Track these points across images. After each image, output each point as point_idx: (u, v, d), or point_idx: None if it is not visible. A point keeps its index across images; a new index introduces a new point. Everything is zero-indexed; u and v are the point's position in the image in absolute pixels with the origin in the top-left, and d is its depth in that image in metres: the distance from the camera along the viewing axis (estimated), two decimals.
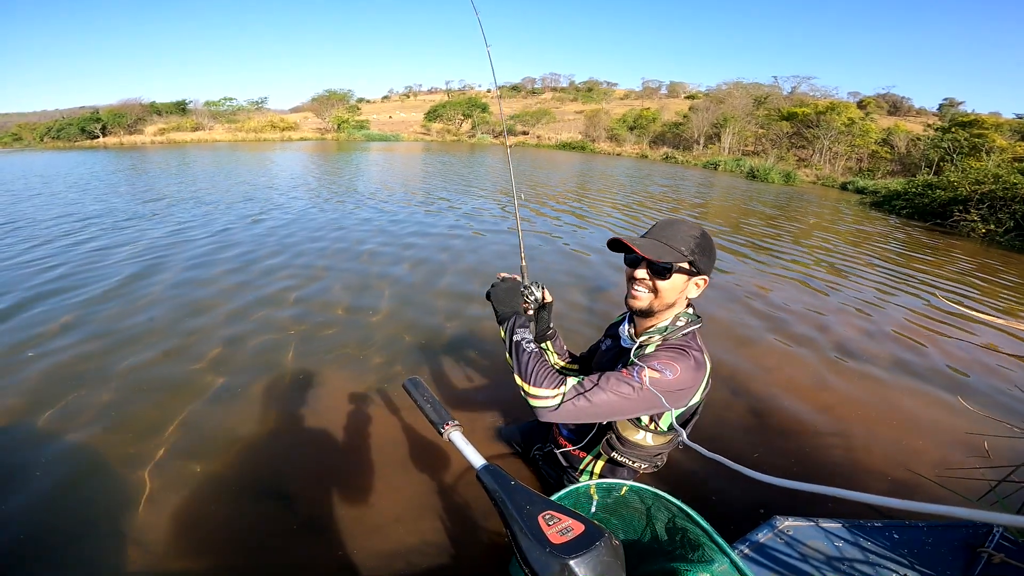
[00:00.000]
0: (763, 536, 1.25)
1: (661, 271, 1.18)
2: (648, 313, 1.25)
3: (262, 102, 47.74)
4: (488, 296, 1.41)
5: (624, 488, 1.25)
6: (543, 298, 1.51)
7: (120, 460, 1.97)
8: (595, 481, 1.29)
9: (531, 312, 1.47)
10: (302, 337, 3.06)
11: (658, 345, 1.23)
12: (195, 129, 40.65)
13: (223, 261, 4.67)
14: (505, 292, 1.38)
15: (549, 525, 0.75)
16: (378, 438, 2.17)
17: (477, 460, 0.94)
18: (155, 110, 44.02)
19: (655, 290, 1.21)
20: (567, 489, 1.23)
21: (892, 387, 2.93)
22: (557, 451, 1.57)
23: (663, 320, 1.26)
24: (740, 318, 3.80)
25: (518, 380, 1.19)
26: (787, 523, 1.28)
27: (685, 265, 1.18)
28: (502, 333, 1.31)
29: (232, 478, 1.90)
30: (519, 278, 1.46)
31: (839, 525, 1.31)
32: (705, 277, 1.23)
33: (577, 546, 0.70)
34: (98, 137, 37.90)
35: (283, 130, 40.47)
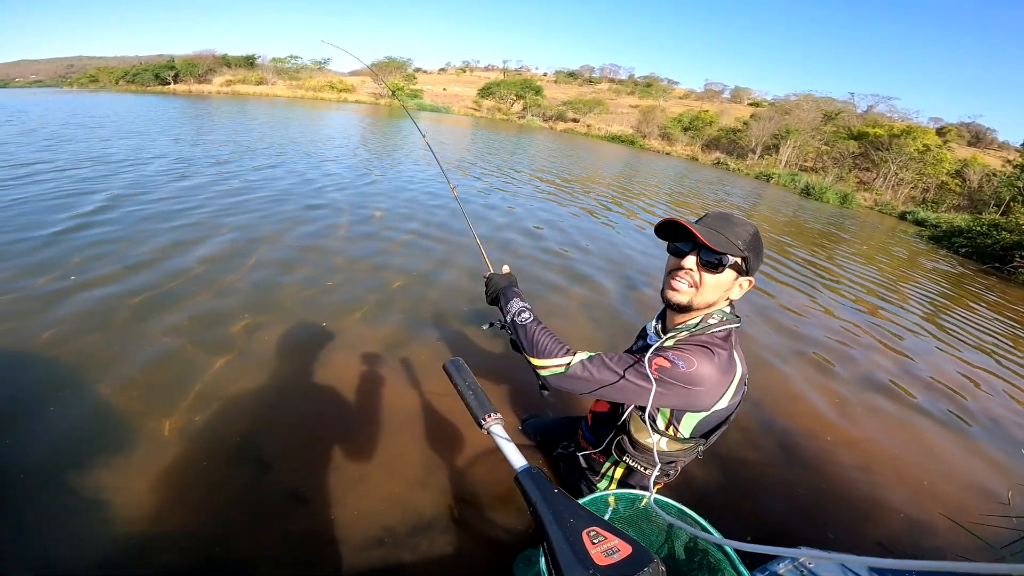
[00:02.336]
0: (783, 567, 1.17)
1: (713, 263, 1.07)
2: (686, 309, 1.14)
3: (324, 63, 48.58)
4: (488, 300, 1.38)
5: (647, 499, 1.15)
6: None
7: (140, 413, 1.95)
8: (617, 491, 1.23)
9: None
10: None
11: (681, 339, 1.12)
12: (259, 83, 41.84)
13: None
14: (490, 282, 1.38)
15: (594, 543, 0.67)
16: (398, 411, 2.14)
17: (518, 460, 0.86)
18: (226, 62, 45.44)
19: (699, 284, 1.09)
20: (588, 497, 1.18)
21: (921, 428, 2.83)
22: (579, 454, 1.51)
23: (695, 317, 1.14)
24: (770, 339, 3.67)
25: (526, 357, 1.17)
26: (810, 555, 1.21)
27: (738, 261, 1.07)
28: (503, 317, 1.28)
29: (240, 437, 1.88)
30: (490, 270, 1.43)
31: (861, 564, 1.21)
32: (751, 279, 1.13)
33: (623, 570, 0.62)
34: (169, 84, 39.51)
35: (340, 91, 41.15)
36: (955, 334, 4.72)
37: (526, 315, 1.22)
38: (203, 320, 2.61)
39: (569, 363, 1.11)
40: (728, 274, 1.08)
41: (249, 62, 46.20)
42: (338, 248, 3.94)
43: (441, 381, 2.29)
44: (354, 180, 6.86)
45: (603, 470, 1.42)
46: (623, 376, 1.07)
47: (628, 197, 9.53)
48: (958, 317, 5.44)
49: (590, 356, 1.12)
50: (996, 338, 4.88)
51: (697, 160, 30.08)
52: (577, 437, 1.57)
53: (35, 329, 2.34)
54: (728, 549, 0.99)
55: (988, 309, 6.15)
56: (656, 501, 1.13)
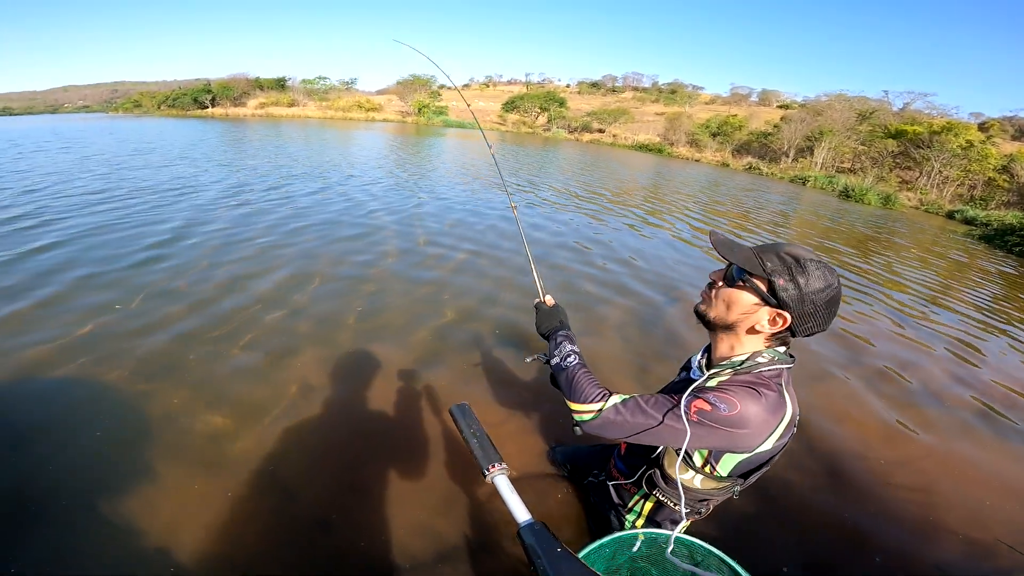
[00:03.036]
0: None
1: (731, 277, 1.05)
2: (709, 324, 1.12)
3: (352, 83, 50.35)
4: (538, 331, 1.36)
5: (673, 538, 1.12)
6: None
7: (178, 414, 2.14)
8: (643, 530, 1.20)
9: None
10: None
11: (724, 379, 1.05)
12: (291, 105, 43.60)
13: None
14: (543, 316, 1.35)
15: None
16: (426, 440, 2.14)
17: (521, 513, 0.84)
18: (258, 85, 47.51)
19: (716, 296, 1.08)
20: (611, 537, 1.15)
21: (984, 443, 2.66)
22: (610, 483, 1.47)
23: (740, 354, 1.07)
24: (819, 350, 3.55)
25: (565, 399, 1.15)
26: None
27: (760, 284, 1.00)
28: (550, 356, 1.27)
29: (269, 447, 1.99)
30: (540, 298, 1.41)
31: None
32: (784, 315, 0.99)
33: None
34: (207, 107, 41.59)
35: (368, 111, 42.42)
36: (1019, 339, 4.48)
37: (572, 359, 1.19)
38: (259, 350, 2.70)
39: (602, 408, 1.06)
40: (746, 296, 1.02)
41: (280, 84, 48.15)
42: (390, 275, 4.01)
43: (490, 409, 2.35)
44: (402, 203, 7.03)
45: (632, 503, 1.38)
46: (661, 421, 1.02)
47: (665, 208, 9.46)
48: (1020, 321, 5.17)
49: (624, 400, 1.07)
50: None
51: (728, 166, 29.52)
52: (609, 466, 1.52)
53: (97, 364, 2.44)
54: None
55: None
56: (680, 540, 1.09)
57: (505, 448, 2.11)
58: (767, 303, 1.00)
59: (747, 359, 1.05)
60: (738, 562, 1.05)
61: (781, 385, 1.03)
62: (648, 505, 1.35)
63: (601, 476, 1.57)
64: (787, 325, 1.00)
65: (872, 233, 10.47)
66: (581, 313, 3.65)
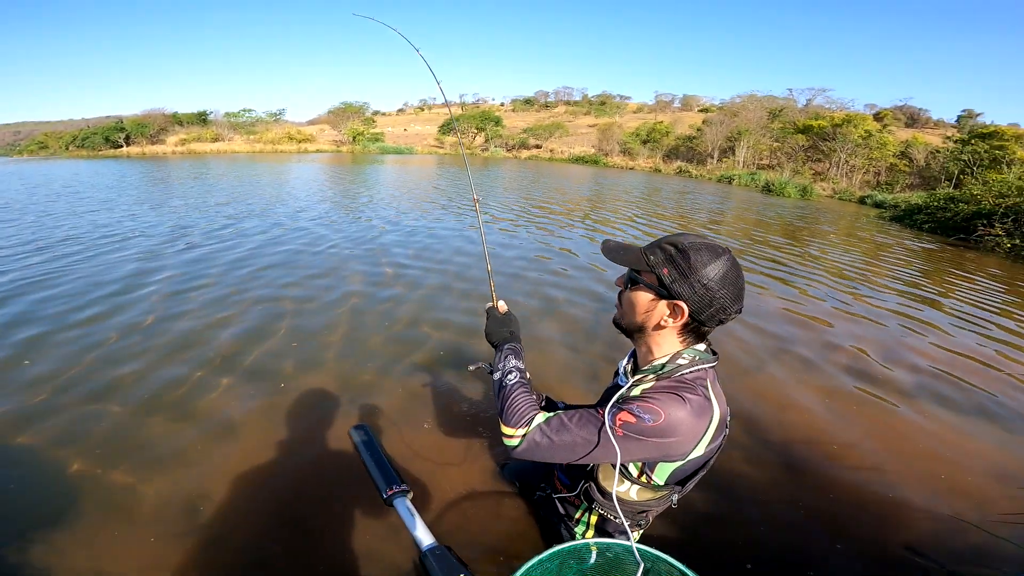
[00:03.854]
0: None
1: (628, 279, 1.09)
2: (624, 330, 1.13)
3: (280, 114, 48.75)
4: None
5: (622, 548, 1.09)
6: None
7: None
8: (593, 540, 1.14)
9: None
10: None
11: (648, 387, 1.04)
12: (215, 140, 41.59)
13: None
14: (494, 323, 1.30)
15: None
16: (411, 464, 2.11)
17: (424, 537, 0.81)
18: (177, 120, 45.10)
19: (622, 304, 1.11)
20: (554, 549, 1.09)
21: (924, 416, 2.76)
22: (555, 496, 1.44)
23: (660, 356, 1.07)
24: (751, 341, 3.65)
25: (499, 420, 1.11)
26: None
27: (651, 280, 1.01)
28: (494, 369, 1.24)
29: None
30: (493, 303, 1.37)
31: None
32: (680, 304, 0.99)
33: None
34: (121, 146, 38.93)
35: (300, 142, 41.24)
36: (938, 309, 4.85)
37: (512, 376, 1.14)
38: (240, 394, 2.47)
39: (525, 433, 1.03)
40: (642, 294, 1.04)
41: (202, 119, 45.95)
42: (359, 310, 3.80)
43: (440, 430, 2.29)
44: (363, 233, 6.80)
45: (578, 515, 1.35)
46: (589, 440, 0.99)
47: (614, 217, 9.71)
48: (937, 292, 5.61)
49: (547, 419, 1.04)
50: (979, 308, 5.04)
51: (660, 171, 30.99)
52: (553, 479, 1.50)
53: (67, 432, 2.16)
54: None
55: (964, 280, 6.39)
56: (629, 548, 1.05)
57: (453, 468, 2.06)
58: (661, 297, 1.01)
59: (668, 362, 1.04)
60: (695, 569, 1.00)
61: (706, 387, 1.03)
62: (594, 517, 1.31)
63: (548, 490, 1.54)
64: (687, 314, 1.00)
65: (799, 223, 11.22)
66: (552, 318, 3.69)
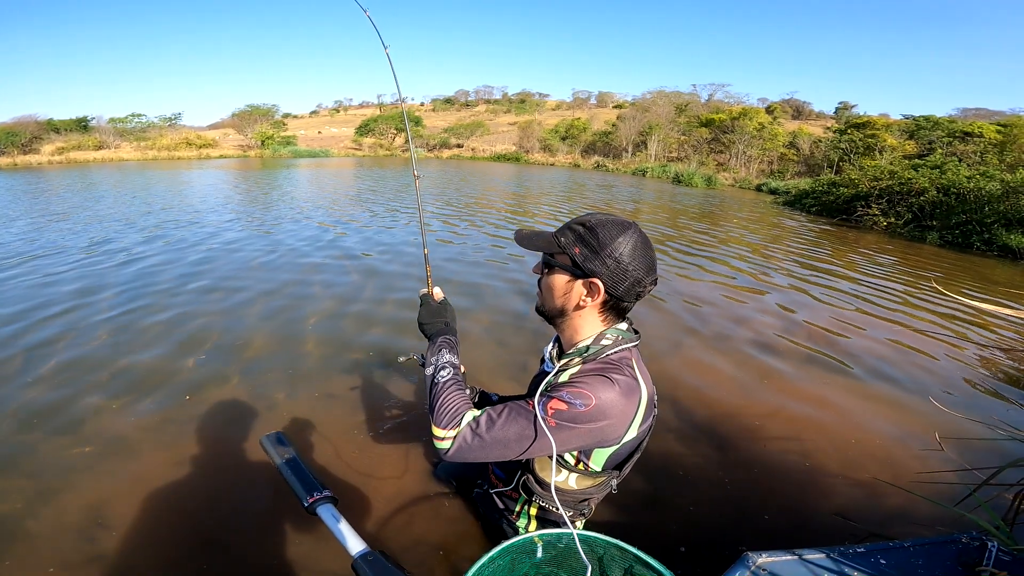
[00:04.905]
0: None
1: (543, 264, 1.09)
2: (546, 316, 1.13)
3: (175, 118, 44.38)
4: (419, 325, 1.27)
5: (571, 538, 1.06)
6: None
7: None
8: (538, 532, 1.09)
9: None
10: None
11: (575, 371, 1.03)
12: (99, 148, 37.12)
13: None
14: (428, 311, 1.26)
15: None
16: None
17: (354, 544, 0.76)
18: (52, 127, 39.68)
19: (541, 290, 1.11)
20: (503, 545, 1.02)
21: (830, 385, 2.90)
22: (492, 491, 1.39)
23: (584, 338, 1.06)
24: (668, 322, 3.77)
25: (430, 420, 1.05)
26: (762, 559, 1.14)
27: (564, 261, 1.01)
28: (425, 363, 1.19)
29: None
30: (428, 289, 1.33)
31: (821, 555, 1.18)
32: (596, 281, 0.99)
33: None
34: None
35: (200, 147, 37.80)
36: (831, 285, 5.32)
37: (445, 373, 1.10)
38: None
39: (456, 435, 0.99)
40: (558, 276, 1.05)
41: (82, 125, 40.75)
42: (271, 313, 3.41)
43: (368, 433, 2.14)
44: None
45: (518, 507, 1.32)
46: (518, 433, 0.96)
47: (542, 212, 9.73)
48: (826, 267, 6.17)
49: (476, 417, 1.00)
50: (866, 281, 5.60)
51: (579, 166, 31.95)
52: (488, 475, 1.45)
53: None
54: (666, 573, 0.92)
55: (852, 254, 7.10)
56: (579, 536, 1.05)
57: (386, 471, 1.92)
58: (577, 276, 1.02)
59: (592, 343, 1.04)
60: (639, 548, 1.00)
61: (632, 366, 1.03)
62: (534, 509, 1.29)
63: (485, 486, 1.49)
64: (604, 291, 1.00)
65: (708, 209, 11.98)
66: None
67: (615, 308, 1.05)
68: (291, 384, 2.59)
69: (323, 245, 5.93)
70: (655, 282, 1.03)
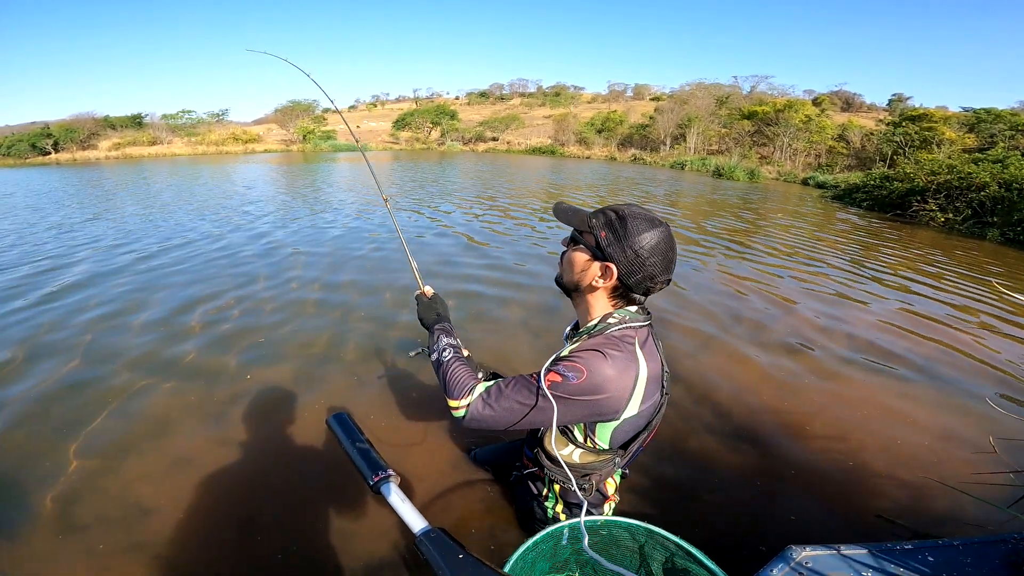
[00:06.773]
0: (778, 571, 1.11)
1: (571, 239, 1.15)
2: (563, 288, 1.19)
3: (223, 114, 46.29)
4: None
5: (613, 524, 1.13)
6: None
7: None
8: (574, 520, 1.13)
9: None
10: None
11: (575, 346, 1.08)
12: (152, 143, 39.17)
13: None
14: (423, 308, 1.37)
15: None
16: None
17: (417, 522, 0.79)
18: (109, 124, 42.10)
19: (563, 262, 1.17)
20: (545, 532, 1.09)
21: (878, 385, 2.83)
22: (524, 472, 1.44)
23: (594, 318, 1.11)
24: (706, 316, 3.73)
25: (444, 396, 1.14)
26: (804, 553, 1.14)
27: (589, 240, 1.07)
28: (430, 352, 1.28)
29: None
30: (420, 289, 1.44)
31: (864, 551, 1.16)
32: (611, 266, 1.04)
33: None
34: (50, 153, 36.07)
35: (246, 142, 39.31)
36: (884, 282, 5.10)
37: (447, 353, 1.19)
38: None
39: (469, 403, 1.07)
40: (579, 254, 1.10)
41: (136, 122, 43.07)
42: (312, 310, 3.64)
43: (411, 424, 2.23)
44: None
45: (546, 491, 1.37)
46: (526, 403, 1.02)
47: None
48: (879, 265, 5.90)
49: (487, 388, 1.08)
50: (919, 279, 5.33)
51: (616, 159, 31.41)
52: (522, 457, 1.50)
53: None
54: (708, 563, 0.96)
55: (903, 251, 6.76)
56: (619, 524, 1.11)
57: (422, 458, 2.01)
58: (596, 258, 1.07)
59: (599, 322, 1.09)
60: (682, 537, 1.05)
61: (633, 344, 1.06)
62: (557, 487, 1.32)
63: (521, 469, 1.53)
64: (616, 276, 1.05)
65: (750, 203, 11.59)
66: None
67: (624, 296, 1.10)
68: (330, 373, 2.74)
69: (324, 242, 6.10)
70: (668, 282, 1.08)
